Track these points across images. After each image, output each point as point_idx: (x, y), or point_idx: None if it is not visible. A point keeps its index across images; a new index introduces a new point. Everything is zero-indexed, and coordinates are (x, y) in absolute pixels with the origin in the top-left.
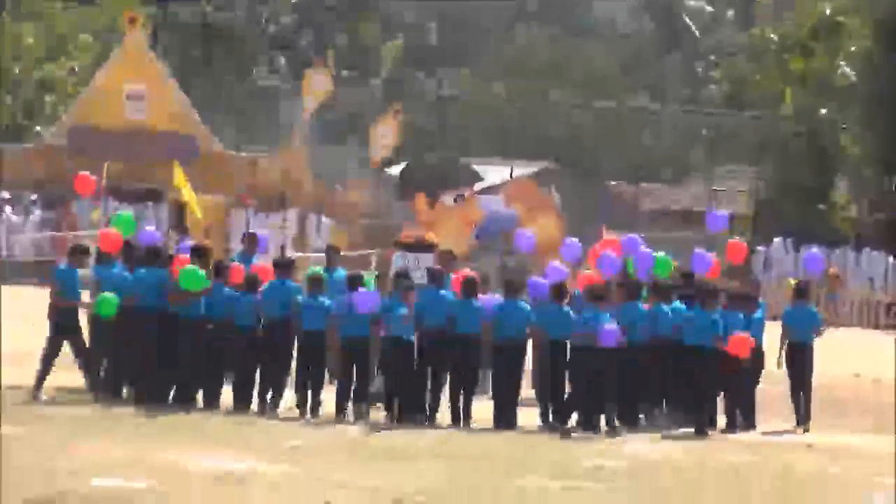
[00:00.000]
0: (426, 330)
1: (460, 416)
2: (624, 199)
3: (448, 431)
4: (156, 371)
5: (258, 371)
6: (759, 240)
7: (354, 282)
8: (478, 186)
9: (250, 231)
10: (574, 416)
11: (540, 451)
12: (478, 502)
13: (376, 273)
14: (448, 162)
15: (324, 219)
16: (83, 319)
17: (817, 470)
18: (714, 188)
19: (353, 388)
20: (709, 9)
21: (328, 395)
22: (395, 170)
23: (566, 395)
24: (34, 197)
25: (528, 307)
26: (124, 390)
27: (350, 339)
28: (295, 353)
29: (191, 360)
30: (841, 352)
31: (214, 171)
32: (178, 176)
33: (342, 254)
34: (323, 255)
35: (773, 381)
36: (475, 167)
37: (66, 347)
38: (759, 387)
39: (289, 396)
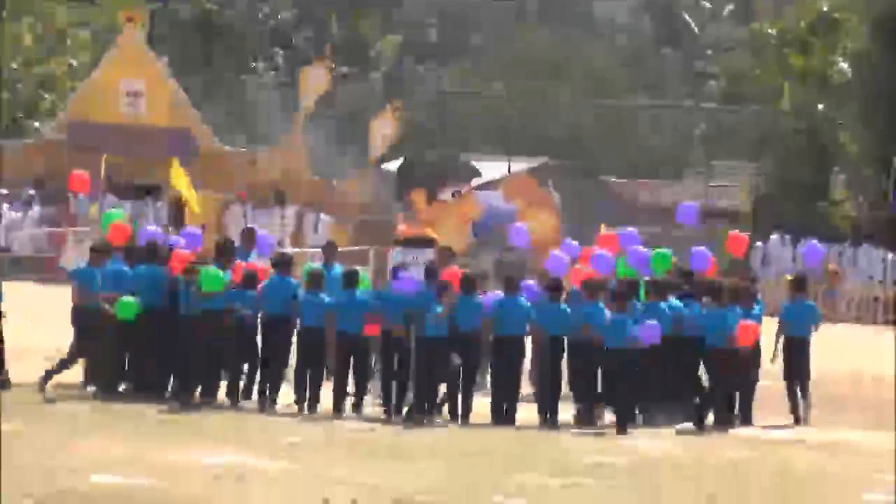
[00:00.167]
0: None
1: (459, 413)
2: (622, 195)
3: (447, 428)
4: (154, 368)
5: (257, 368)
6: (757, 236)
7: (351, 278)
8: (476, 182)
9: (248, 227)
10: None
11: (539, 448)
12: (477, 499)
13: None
14: (447, 158)
15: (322, 215)
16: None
17: (816, 466)
18: (712, 184)
19: (351, 384)
20: (707, 4)
21: (326, 391)
22: (394, 166)
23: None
24: (32, 192)
25: (528, 304)
26: (122, 387)
27: (348, 336)
28: (294, 350)
29: (189, 356)
30: (839, 348)
31: (212, 167)
32: (176, 174)
33: (339, 249)
34: (320, 251)
35: (771, 378)
36: (474, 163)
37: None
38: (758, 383)
39: (287, 393)
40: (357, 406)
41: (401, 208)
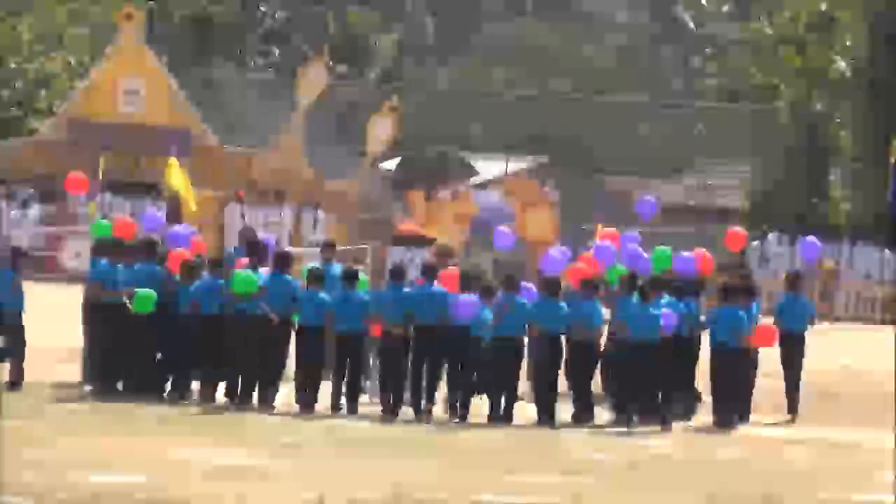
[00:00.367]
0: (420, 325)
1: (457, 411)
2: (619, 193)
3: (445, 426)
4: (152, 366)
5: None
6: (754, 234)
7: (350, 278)
8: (474, 181)
9: (246, 225)
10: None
11: (538, 445)
12: (476, 497)
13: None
14: (444, 156)
15: (319, 213)
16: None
17: (814, 464)
18: (709, 182)
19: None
20: (704, 2)
21: (324, 389)
22: (392, 164)
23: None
24: (30, 190)
25: (527, 302)
26: (119, 385)
27: (345, 334)
28: (293, 348)
29: (188, 354)
30: (837, 346)
31: (210, 165)
32: (174, 173)
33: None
34: (317, 248)
35: (770, 377)
36: (471, 162)
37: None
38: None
39: (285, 391)
40: (352, 403)
41: (399, 207)
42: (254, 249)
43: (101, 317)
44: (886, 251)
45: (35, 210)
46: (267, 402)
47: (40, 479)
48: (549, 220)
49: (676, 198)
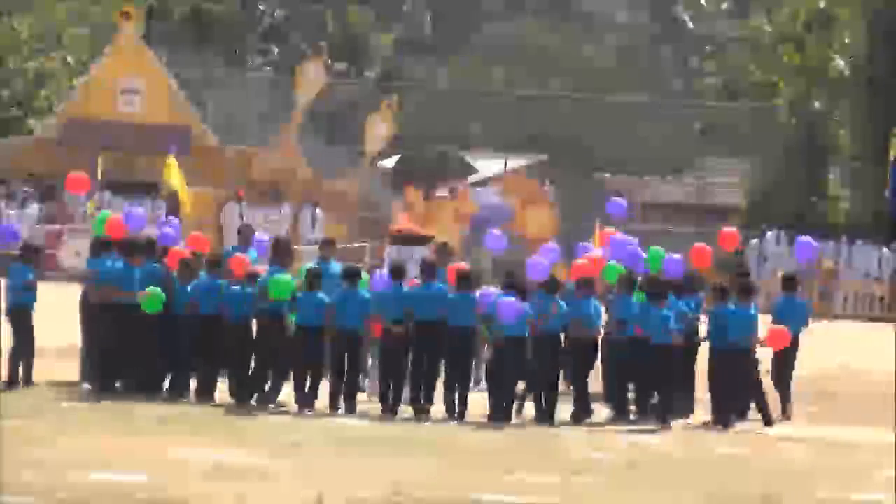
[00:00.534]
0: (419, 323)
1: (455, 409)
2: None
3: (444, 425)
4: (151, 365)
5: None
6: (753, 233)
7: (352, 275)
8: (473, 179)
9: (245, 224)
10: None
11: (537, 445)
12: (475, 496)
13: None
14: (443, 155)
15: (318, 212)
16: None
17: (813, 462)
18: (708, 180)
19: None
20: (703, 1)
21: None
22: (390, 163)
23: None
24: (29, 189)
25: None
26: (118, 384)
27: (344, 332)
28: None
29: (187, 353)
30: (836, 345)
31: (209, 164)
32: (173, 171)
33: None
34: (315, 247)
35: (766, 374)
36: (469, 160)
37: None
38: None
39: (285, 390)
40: (350, 401)
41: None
42: (277, 249)
43: (109, 317)
44: (885, 249)
45: (34, 209)
46: (267, 402)
47: (40, 479)
48: (549, 218)
49: (676, 197)
